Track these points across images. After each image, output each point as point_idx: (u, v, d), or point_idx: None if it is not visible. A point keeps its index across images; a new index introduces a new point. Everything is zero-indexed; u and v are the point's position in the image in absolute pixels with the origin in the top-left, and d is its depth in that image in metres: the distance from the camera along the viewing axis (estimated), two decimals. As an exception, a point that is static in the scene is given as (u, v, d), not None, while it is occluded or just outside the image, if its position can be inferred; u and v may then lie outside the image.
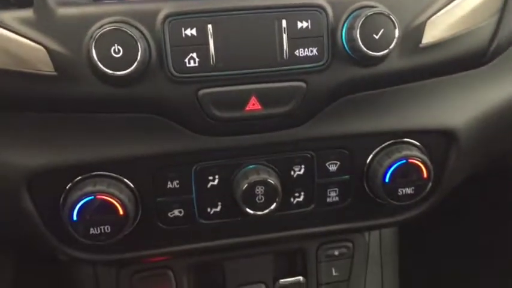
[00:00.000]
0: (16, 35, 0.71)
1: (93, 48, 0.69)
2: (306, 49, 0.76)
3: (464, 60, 0.87)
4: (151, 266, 0.99)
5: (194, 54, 0.74)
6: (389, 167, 0.85)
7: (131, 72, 0.70)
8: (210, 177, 0.84)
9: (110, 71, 0.70)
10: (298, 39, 0.76)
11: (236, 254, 1.00)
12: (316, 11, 0.76)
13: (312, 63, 0.77)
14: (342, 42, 0.77)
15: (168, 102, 0.76)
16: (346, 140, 0.87)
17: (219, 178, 0.84)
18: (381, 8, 0.76)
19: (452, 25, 0.83)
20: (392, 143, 0.88)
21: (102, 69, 0.70)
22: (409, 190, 0.86)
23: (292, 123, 0.82)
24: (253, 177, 0.82)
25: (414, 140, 0.88)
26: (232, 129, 0.81)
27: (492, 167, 1.08)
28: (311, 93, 0.79)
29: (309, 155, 0.86)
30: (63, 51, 0.72)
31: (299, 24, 0.76)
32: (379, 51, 0.75)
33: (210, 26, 0.73)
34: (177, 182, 0.83)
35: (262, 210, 0.83)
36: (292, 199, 0.88)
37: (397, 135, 0.88)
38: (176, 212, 0.85)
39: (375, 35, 0.75)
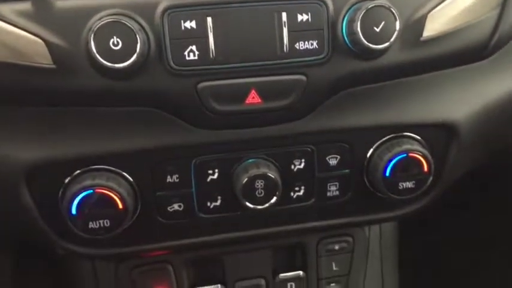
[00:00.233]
0: (14, 28, 0.71)
1: (91, 40, 0.69)
2: (306, 42, 0.76)
3: (465, 53, 0.87)
4: (150, 260, 0.98)
5: (194, 47, 0.73)
6: (390, 161, 0.85)
7: (130, 64, 0.70)
8: (210, 171, 0.84)
9: (109, 64, 0.69)
10: (299, 32, 0.75)
11: (236, 249, 0.99)
12: (317, 3, 0.75)
13: (312, 56, 0.76)
14: (343, 35, 0.76)
15: (167, 95, 0.76)
16: (347, 134, 0.86)
17: (218, 172, 0.84)
18: (381, 1, 0.75)
19: (453, 18, 0.83)
20: (392, 136, 0.87)
21: (101, 61, 0.69)
22: (409, 184, 0.86)
23: (292, 116, 0.82)
24: (253, 171, 0.81)
25: (415, 133, 0.88)
26: (232, 123, 0.80)
27: (493, 161, 1.08)
28: (311, 87, 0.78)
29: (309, 149, 0.86)
30: (61, 43, 0.71)
31: (299, 17, 0.75)
32: (379, 44, 0.75)
33: (209, 19, 0.73)
34: (177, 176, 0.83)
35: (262, 204, 0.82)
36: (292, 193, 0.88)
37: (398, 129, 0.87)
38: (176, 206, 0.85)
39: (375, 28, 0.74)
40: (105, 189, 0.77)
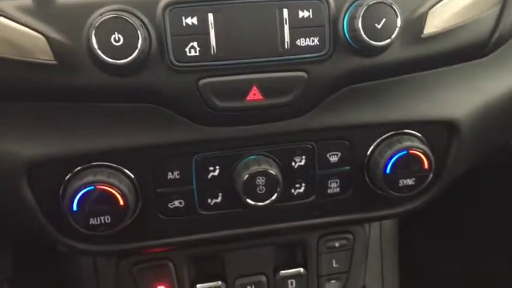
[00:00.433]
0: (15, 24, 0.71)
1: (93, 36, 0.69)
2: (308, 39, 0.76)
3: (465, 51, 0.87)
4: (151, 257, 0.98)
5: (195, 44, 0.73)
6: (391, 158, 0.84)
7: (131, 60, 0.69)
8: (211, 168, 0.84)
9: (110, 60, 0.69)
10: (300, 28, 0.75)
11: (236, 245, 0.99)
12: (318, 0, 0.75)
13: (313, 53, 0.76)
14: (344, 32, 0.76)
15: (168, 91, 0.75)
16: (347, 131, 0.86)
17: (219, 169, 0.84)
18: None
19: (454, 15, 0.83)
20: (393, 134, 0.87)
21: (102, 57, 0.69)
22: (410, 181, 0.86)
23: (293, 113, 0.82)
24: (254, 168, 0.81)
25: (415, 131, 0.88)
26: (233, 120, 0.80)
27: (493, 159, 1.08)
28: (312, 84, 0.78)
29: (309, 146, 0.86)
30: (62, 39, 0.71)
31: (300, 14, 0.75)
32: (381, 41, 0.75)
33: (210, 15, 0.73)
34: (178, 172, 0.83)
35: (263, 201, 0.82)
36: (293, 190, 0.88)
37: (398, 126, 0.87)
38: (176, 203, 0.85)
39: (376, 25, 0.74)
40: (106, 186, 0.77)
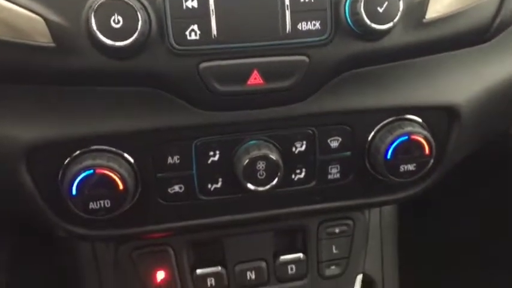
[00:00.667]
0: (14, 5, 0.70)
1: (92, 18, 0.68)
2: (309, 22, 0.75)
3: (467, 36, 0.86)
4: (150, 242, 0.98)
5: (195, 27, 0.73)
6: (391, 144, 0.84)
7: (131, 43, 0.69)
8: (211, 153, 0.83)
9: (110, 42, 0.68)
10: (301, 12, 0.75)
11: (236, 231, 0.99)
12: None
13: (315, 37, 0.76)
14: (345, 16, 0.76)
15: (168, 75, 0.75)
16: (348, 116, 0.86)
17: (219, 153, 0.84)
18: None
19: (455, 0, 0.82)
20: (394, 119, 0.87)
21: (102, 39, 0.68)
22: (410, 167, 0.86)
23: (294, 98, 0.81)
24: (255, 153, 0.81)
25: (416, 116, 0.88)
26: (234, 104, 0.80)
27: (494, 145, 1.08)
28: (313, 68, 0.78)
29: (310, 131, 0.85)
30: (61, 21, 0.70)
31: None
32: (383, 25, 0.74)
33: None
34: (178, 157, 0.83)
35: (264, 186, 0.82)
36: (293, 175, 0.88)
37: (399, 112, 0.87)
38: (176, 188, 0.85)
39: (379, 8, 0.74)
40: (105, 170, 0.76)
